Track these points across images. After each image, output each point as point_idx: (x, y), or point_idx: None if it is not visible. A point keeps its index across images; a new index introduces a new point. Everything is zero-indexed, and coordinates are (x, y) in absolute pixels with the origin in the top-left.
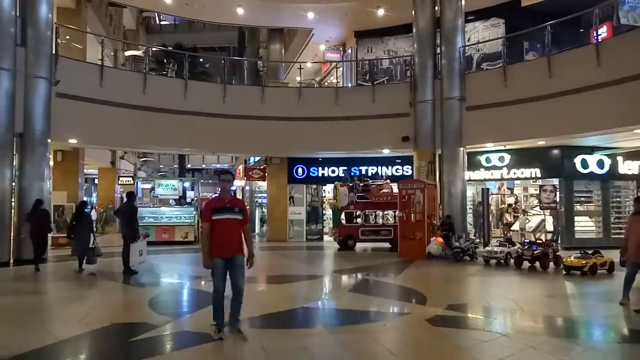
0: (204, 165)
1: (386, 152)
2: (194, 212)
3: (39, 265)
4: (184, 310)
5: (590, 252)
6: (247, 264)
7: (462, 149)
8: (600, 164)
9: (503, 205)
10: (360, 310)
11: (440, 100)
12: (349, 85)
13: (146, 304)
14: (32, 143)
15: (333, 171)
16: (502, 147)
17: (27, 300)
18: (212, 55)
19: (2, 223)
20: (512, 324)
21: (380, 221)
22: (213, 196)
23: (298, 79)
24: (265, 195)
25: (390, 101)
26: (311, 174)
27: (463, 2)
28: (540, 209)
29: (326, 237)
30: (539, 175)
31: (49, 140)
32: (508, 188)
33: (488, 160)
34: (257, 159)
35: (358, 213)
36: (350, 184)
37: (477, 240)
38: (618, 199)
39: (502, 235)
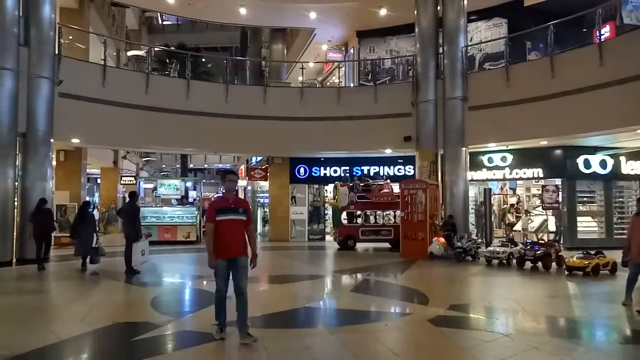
0: (206, 165)
1: (388, 152)
2: (196, 212)
3: (43, 264)
4: (186, 310)
5: (592, 252)
6: (251, 264)
7: (464, 149)
8: (603, 164)
9: (505, 206)
10: (362, 311)
11: (442, 100)
12: (351, 85)
13: (148, 303)
14: (34, 143)
15: (335, 171)
16: (505, 147)
17: (30, 299)
18: (215, 55)
19: (5, 223)
20: (514, 324)
21: (380, 221)
22: (216, 196)
23: (300, 79)
24: (267, 195)
25: (392, 101)
26: (313, 174)
27: (465, 2)
28: (543, 209)
29: (328, 237)
30: (541, 175)
31: (52, 140)
32: (510, 188)
33: (490, 160)
34: (259, 158)
35: (358, 213)
36: (351, 184)
37: (480, 241)
38: (621, 199)
39: (505, 236)
